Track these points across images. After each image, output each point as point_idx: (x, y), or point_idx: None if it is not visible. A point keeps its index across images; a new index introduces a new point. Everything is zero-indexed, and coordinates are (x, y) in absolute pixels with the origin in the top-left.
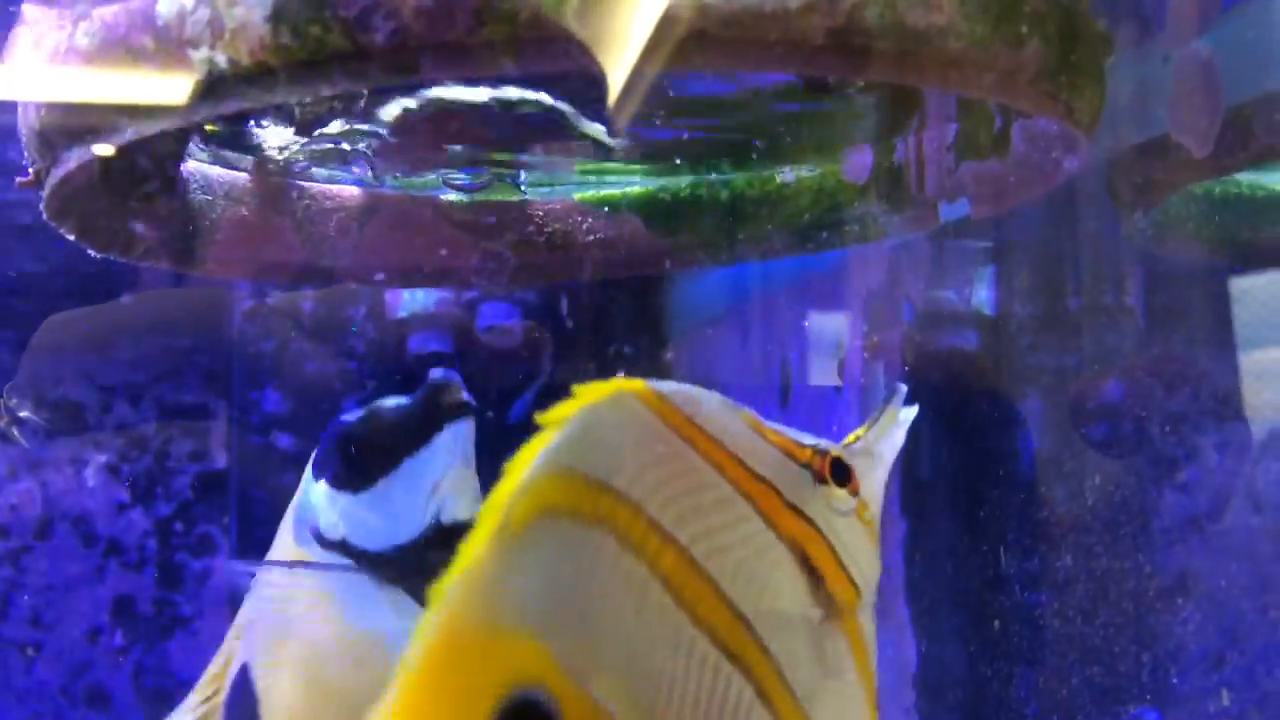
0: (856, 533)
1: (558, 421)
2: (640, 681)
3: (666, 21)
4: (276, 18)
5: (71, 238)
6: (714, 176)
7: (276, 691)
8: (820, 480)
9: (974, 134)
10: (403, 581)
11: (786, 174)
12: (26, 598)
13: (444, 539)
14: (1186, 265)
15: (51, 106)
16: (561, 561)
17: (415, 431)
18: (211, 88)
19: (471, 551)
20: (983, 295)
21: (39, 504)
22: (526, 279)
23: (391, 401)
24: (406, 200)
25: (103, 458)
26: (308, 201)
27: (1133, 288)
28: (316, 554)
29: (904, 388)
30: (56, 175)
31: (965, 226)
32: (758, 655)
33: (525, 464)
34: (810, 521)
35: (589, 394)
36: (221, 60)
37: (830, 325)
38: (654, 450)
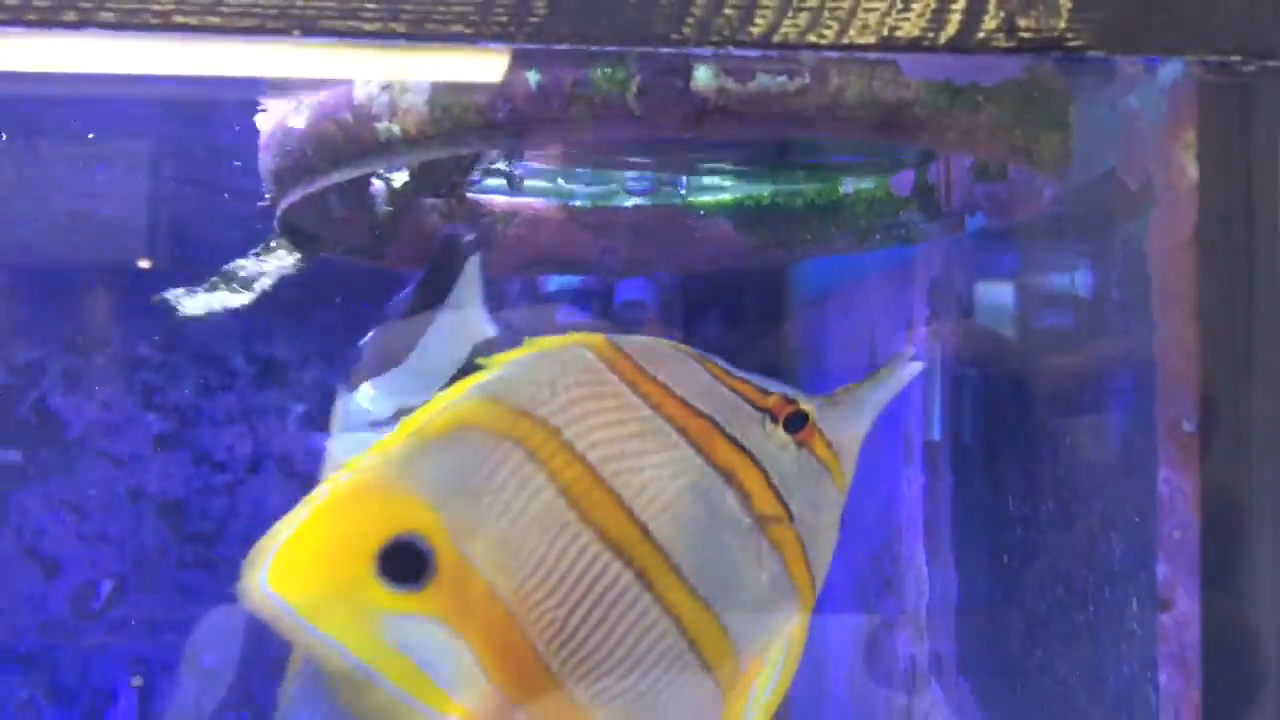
0: (804, 467)
1: (499, 363)
2: (512, 552)
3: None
4: (432, 102)
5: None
6: (790, 187)
7: None
8: (774, 421)
9: (984, 163)
10: None
11: (848, 186)
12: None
13: None
14: None
15: (282, 155)
16: (466, 459)
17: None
18: (389, 146)
19: (387, 443)
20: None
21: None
22: (638, 269)
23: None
24: (542, 206)
25: None
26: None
27: None
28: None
29: (912, 351)
30: (285, 202)
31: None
32: (648, 551)
33: (455, 393)
34: (745, 450)
35: (543, 343)
36: (395, 130)
37: (898, 312)
38: (587, 389)
